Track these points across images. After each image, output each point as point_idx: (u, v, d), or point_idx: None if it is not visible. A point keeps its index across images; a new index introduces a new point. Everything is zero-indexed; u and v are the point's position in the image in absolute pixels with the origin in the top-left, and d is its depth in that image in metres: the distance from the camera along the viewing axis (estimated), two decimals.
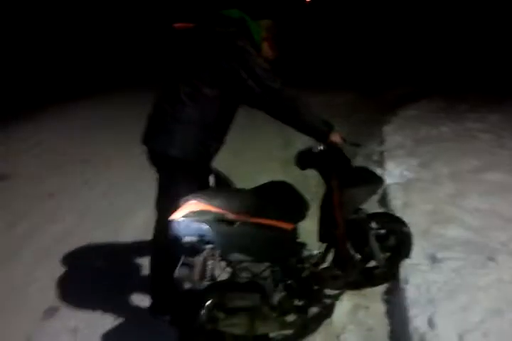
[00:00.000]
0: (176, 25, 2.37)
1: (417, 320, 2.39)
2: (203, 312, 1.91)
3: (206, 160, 2.40)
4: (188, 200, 1.93)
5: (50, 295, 2.87)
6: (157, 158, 2.38)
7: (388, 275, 2.86)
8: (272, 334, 2.24)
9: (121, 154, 5.45)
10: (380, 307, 2.73)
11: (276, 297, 2.22)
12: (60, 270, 3.12)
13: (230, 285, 2.11)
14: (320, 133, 2.30)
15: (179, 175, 2.30)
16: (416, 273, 2.74)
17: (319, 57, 10.90)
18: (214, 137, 2.34)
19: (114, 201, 4.20)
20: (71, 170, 4.95)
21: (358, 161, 4.82)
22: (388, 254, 2.86)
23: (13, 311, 2.72)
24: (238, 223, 1.92)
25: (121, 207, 4.08)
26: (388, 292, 2.84)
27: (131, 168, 4.98)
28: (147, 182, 4.51)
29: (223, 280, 2.11)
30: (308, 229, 2.62)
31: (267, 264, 2.18)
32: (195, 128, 2.24)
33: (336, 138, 2.32)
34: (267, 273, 2.19)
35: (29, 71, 10.13)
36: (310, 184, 3.98)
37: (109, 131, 6.45)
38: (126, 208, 4.04)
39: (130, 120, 6.85)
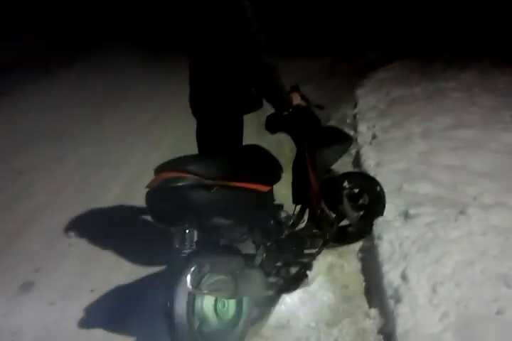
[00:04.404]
0: None
1: (391, 275, 2.44)
2: (188, 277, 1.88)
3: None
4: (162, 168, 1.90)
5: (25, 270, 2.84)
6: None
7: (362, 233, 2.91)
8: (254, 297, 2.25)
9: (93, 127, 5.36)
10: (355, 265, 2.78)
11: (258, 259, 2.23)
12: (34, 245, 3.10)
13: (212, 251, 2.10)
14: (283, 102, 2.33)
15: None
16: (389, 230, 2.79)
17: (296, 23, 10.69)
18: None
19: (88, 175, 4.13)
20: (42, 146, 4.82)
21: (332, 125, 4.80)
22: (362, 212, 2.91)
23: None
24: (216, 187, 1.89)
25: (94, 181, 4.02)
26: (363, 250, 2.89)
27: (105, 141, 4.93)
28: (120, 156, 4.49)
29: (205, 246, 2.08)
30: (283, 193, 2.64)
31: (246, 227, 2.18)
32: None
33: (296, 100, 2.35)
34: (247, 237, 2.20)
35: None
36: (284, 149, 4.00)
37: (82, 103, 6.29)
38: (99, 182, 3.99)
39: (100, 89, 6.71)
